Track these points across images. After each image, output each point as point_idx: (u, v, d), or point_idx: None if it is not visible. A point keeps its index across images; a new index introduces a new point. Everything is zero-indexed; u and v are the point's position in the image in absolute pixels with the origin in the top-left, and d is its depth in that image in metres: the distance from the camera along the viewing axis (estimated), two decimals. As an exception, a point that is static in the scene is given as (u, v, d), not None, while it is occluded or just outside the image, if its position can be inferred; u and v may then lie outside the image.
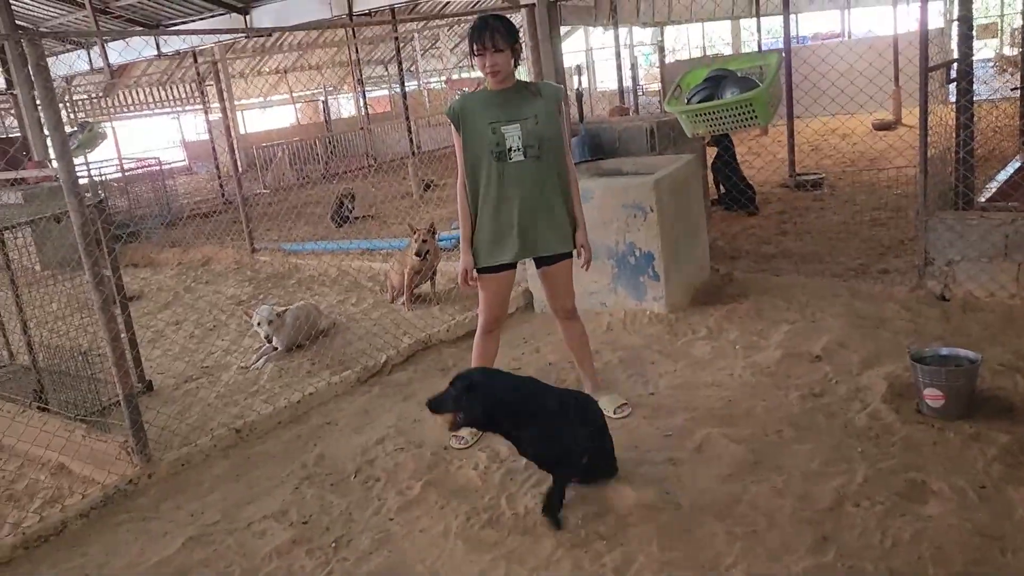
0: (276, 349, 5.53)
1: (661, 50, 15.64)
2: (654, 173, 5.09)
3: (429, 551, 3.01)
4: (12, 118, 15.73)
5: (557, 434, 3.07)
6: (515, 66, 3.52)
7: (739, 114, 5.04)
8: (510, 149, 3.50)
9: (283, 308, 5.67)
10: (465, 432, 3.79)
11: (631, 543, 2.86)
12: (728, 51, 24.66)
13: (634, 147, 5.96)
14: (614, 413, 3.87)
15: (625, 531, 2.94)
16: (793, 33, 9.20)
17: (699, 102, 5.29)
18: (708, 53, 25.72)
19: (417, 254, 6.07)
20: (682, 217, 5.27)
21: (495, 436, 3.79)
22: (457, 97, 3.67)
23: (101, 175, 14.05)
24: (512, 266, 3.73)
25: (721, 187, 8.05)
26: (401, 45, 17.59)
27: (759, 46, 15.99)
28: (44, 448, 4.22)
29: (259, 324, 5.45)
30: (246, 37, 18.11)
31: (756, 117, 5.04)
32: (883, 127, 12.17)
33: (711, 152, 7.79)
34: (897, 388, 3.75)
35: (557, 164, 3.60)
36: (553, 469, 3.10)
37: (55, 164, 3.45)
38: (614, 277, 5.21)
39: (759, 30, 15.61)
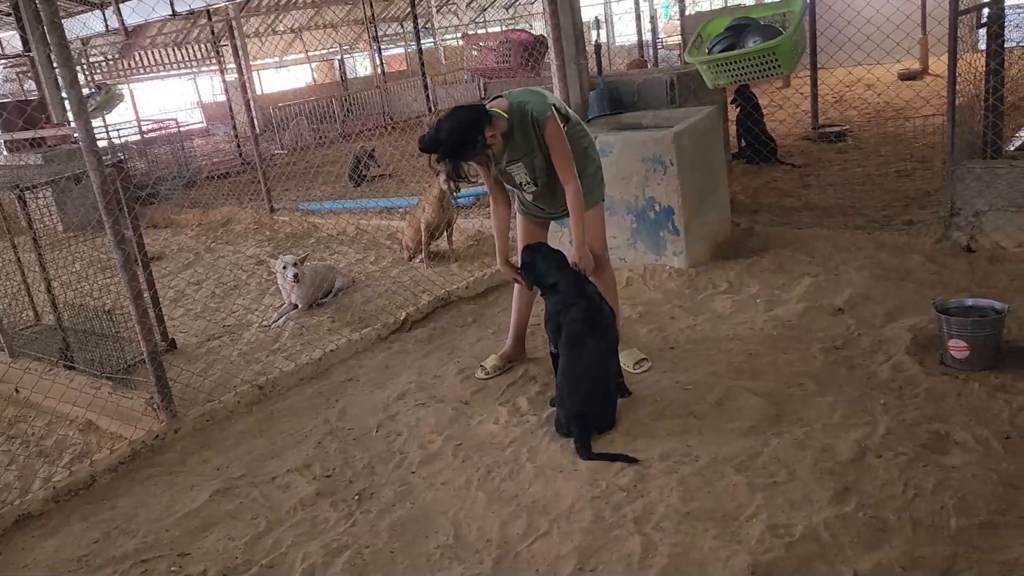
0: (296, 307, 5.57)
1: (681, 0, 15.25)
2: (674, 126, 5.00)
3: (451, 503, 3.05)
4: (30, 81, 15.75)
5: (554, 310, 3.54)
6: (487, 146, 3.46)
7: (762, 63, 4.93)
8: (520, 184, 3.75)
9: (303, 255, 5.71)
10: (489, 363, 4.10)
11: (651, 494, 2.87)
12: (750, 1, 24.10)
13: (654, 100, 5.86)
14: (634, 368, 3.87)
15: (645, 483, 2.95)
16: (817, -20, 8.98)
17: (721, 51, 5.17)
18: (729, 4, 25.14)
19: (448, 178, 6.02)
20: (703, 171, 5.20)
21: (516, 387, 3.84)
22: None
23: (120, 137, 14.09)
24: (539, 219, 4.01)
25: (742, 140, 7.92)
26: (416, 1, 17.34)
27: (782, -5, 15.63)
28: (72, 405, 4.30)
29: (284, 267, 5.46)
30: (260, -6, 17.92)
31: (780, 66, 4.93)
32: (909, 76, 11.88)
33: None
34: (921, 340, 3.71)
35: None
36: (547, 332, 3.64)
37: (73, 124, 3.45)
38: (633, 232, 5.17)
39: (782, -22, 15.27)
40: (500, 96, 3.64)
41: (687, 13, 15.29)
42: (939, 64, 12.16)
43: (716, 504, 2.78)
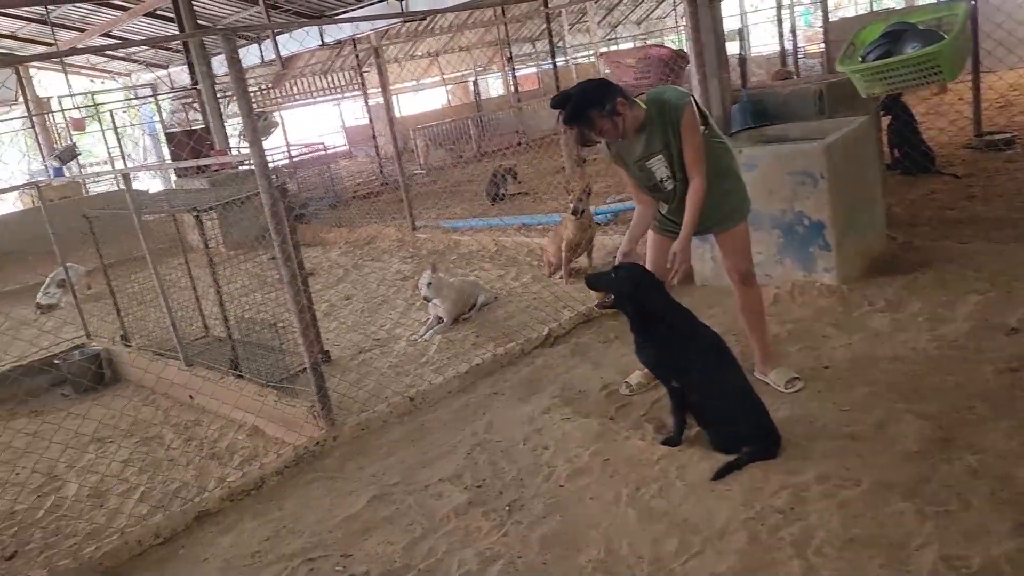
0: (442, 321, 5.76)
1: (824, 6, 14.66)
2: (824, 138, 4.84)
3: (601, 518, 3.06)
4: (194, 111, 17.12)
5: (668, 348, 3.40)
6: (616, 114, 3.44)
7: (921, 70, 4.68)
8: (660, 180, 3.64)
9: (436, 262, 5.94)
10: (633, 380, 4.07)
11: (810, 518, 2.78)
12: (898, 6, 22.88)
13: (801, 111, 5.69)
14: (785, 387, 3.76)
15: (803, 506, 2.86)
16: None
17: (876, 59, 4.96)
18: (874, 9, 23.98)
19: (574, 213, 6.13)
20: (855, 183, 5.00)
21: (660, 404, 3.82)
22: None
23: (272, 161, 15.06)
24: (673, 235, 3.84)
25: (896, 151, 7.54)
26: (550, 21, 17.57)
27: (937, -4, 14.75)
28: (242, 411, 4.62)
29: (428, 284, 5.71)
30: (402, 21, 18.70)
31: (940, 72, 4.67)
32: (1084, 78, 10.95)
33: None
34: (1111, 363, 3.41)
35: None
36: (657, 376, 3.60)
37: (245, 150, 3.72)
38: (780, 248, 5.02)
39: (936, -20, 14.38)
40: (643, 94, 3.67)
41: (831, 19, 14.70)
42: (1120, 62, 11.14)
43: (881, 531, 2.66)
